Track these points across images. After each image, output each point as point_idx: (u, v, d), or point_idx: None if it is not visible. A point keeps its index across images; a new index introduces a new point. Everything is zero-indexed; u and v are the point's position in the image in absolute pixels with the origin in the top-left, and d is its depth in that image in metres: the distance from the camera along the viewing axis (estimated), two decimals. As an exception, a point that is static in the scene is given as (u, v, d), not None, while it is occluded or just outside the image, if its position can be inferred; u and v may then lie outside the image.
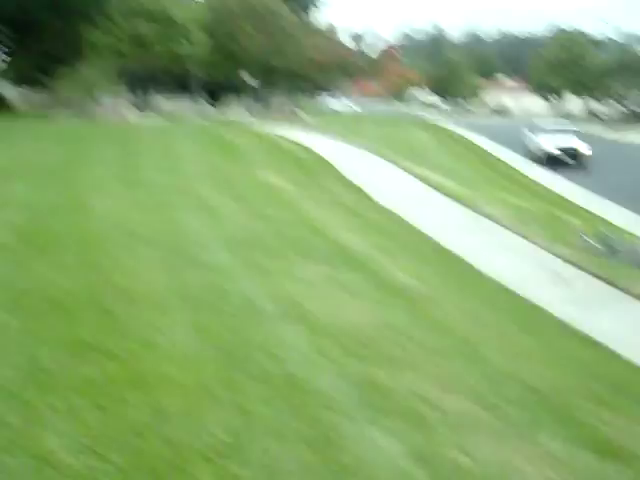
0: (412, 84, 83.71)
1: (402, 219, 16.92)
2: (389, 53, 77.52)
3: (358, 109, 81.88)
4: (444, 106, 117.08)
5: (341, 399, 5.73)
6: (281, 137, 32.36)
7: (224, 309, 7.66)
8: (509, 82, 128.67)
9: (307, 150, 28.19)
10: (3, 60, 47.16)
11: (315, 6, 79.75)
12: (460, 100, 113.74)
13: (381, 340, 7.36)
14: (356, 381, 6.14)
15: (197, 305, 7.71)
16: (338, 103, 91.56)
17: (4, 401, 5.07)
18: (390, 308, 8.64)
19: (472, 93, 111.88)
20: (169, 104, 54.56)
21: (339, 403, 5.66)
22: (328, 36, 72.71)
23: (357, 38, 72.33)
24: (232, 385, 5.75)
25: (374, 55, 72.96)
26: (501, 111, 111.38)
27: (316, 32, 71.67)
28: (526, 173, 35.47)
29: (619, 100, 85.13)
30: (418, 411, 5.75)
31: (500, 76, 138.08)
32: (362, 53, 72.16)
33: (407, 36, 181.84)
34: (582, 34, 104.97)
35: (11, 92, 47.52)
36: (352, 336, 7.29)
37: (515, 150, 43.64)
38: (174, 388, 5.58)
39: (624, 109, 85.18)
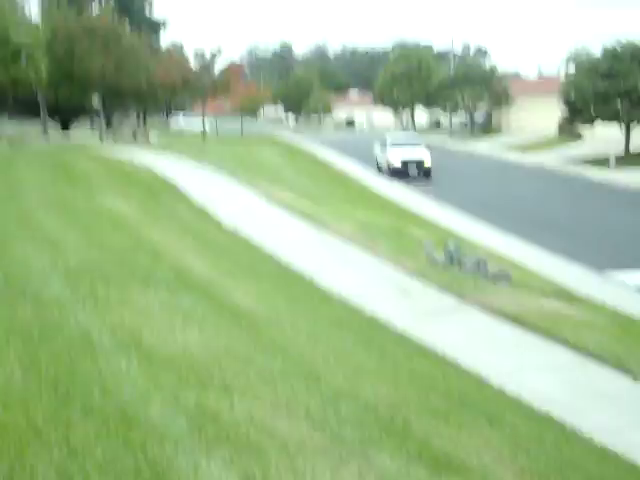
0: (262, 101, 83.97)
1: (247, 239, 16.90)
2: (237, 71, 77.34)
3: (210, 128, 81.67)
4: (294, 122, 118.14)
5: (174, 430, 5.64)
6: (127, 160, 31.97)
7: (57, 343, 7.46)
8: (359, 96, 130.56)
9: (153, 173, 27.91)
10: None
11: (162, 26, 79.48)
12: (310, 115, 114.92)
13: (218, 366, 7.30)
14: (190, 410, 6.05)
15: (29, 341, 7.49)
16: (189, 122, 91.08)
17: None
18: (229, 332, 8.60)
19: (322, 108, 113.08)
20: (14, 128, 53.29)
21: (171, 435, 5.56)
22: (175, 56, 72.44)
23: (205, 57, 71.93)
24: (61, 422, 5.59)
25: (222, 73, 72.65)
26: (351, 125, 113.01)
27: (163, 52, 71.37)
28: (374, 187, 35.98)
29: (465, 111, 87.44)
30: (251, 437, 5.72)
31: (350, 90, 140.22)
32: (210, 72, 71.86)
33: (256, 53, 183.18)
34: (426, 47, 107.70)
35: None
36: (188, 364, 7.21)
37: (364, 164, 44.25)
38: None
39: (469, 120, 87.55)
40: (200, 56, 72.20)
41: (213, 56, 72.64)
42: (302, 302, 11.80)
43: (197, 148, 42.50)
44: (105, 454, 5.15)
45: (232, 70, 74.85)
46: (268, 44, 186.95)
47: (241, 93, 75.59)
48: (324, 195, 29.83)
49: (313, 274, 14.12)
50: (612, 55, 50.90)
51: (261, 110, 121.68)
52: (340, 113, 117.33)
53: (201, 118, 77.60)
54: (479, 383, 9.32)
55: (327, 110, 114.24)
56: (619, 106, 49.47)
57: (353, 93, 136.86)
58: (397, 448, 6.07)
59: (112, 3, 70.73)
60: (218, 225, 18.54)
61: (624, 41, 51.83)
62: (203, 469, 5.10)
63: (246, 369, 7.34)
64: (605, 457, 7.83)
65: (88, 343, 7.57)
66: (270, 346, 8.44)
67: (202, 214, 20.05)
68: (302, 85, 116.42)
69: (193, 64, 72.40)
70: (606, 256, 21.26)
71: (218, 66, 73.55)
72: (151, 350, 7.51)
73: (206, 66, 72.11)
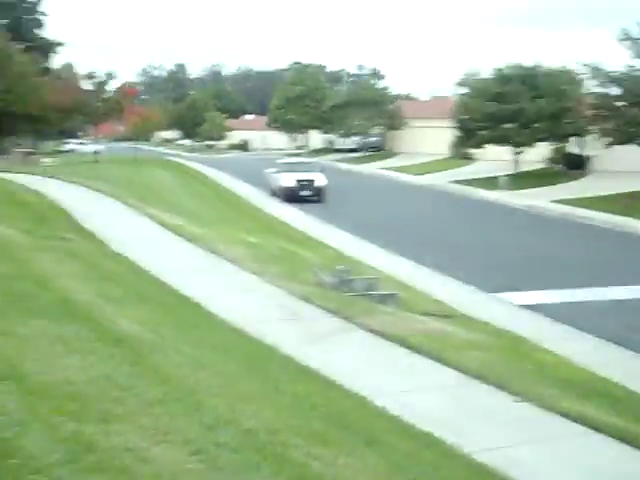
0: (154, 123, 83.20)
1: (136, 264, 16.80)
2: (127, 92, 76.65)
3: (102, 151, 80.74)
4: (188, 144, 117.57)
5: (49, 461, 5.63)
6: (16, 185, 31.43)
7: None
8: (254, 118, 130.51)
9: (40, 196, 27.51)
10: None
11: (55, 48, 78.46)
12: (204, 137, 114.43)
13: (96, 395, 7.28)
14: (66, 440, 6.04)
15: None
16: (81, 146, 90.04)
17: None
18: (110, 360, 8.55)
19: (216, 130, 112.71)
20: None
21: (47, 465, 5.56)
22: (67, 79, 71.47)
23: (97, 79, 71.29)
24: None
25: (115, 95, 71.96)
26: (245, 148, 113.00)
27: (54, 75, 70.36)
28: (266, 210, 36.09)
29: (358, 134, 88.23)
30: (127, 465, 5.74)
31: (246, 113, 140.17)
32: (101, 94, 71.13)
33: (148, 74, 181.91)
34: (319, 69, 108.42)
35: None
36: (66, 393, 7.18)
37: (257, 186, 44.29)
38: None
39: (363, 142, 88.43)
40: (93, 78, 71.44)
41: (106, 78, 71.96)
42: (189, 327, 11.79)
43: (89, 171, 42.00)
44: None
45: (125, 92, 74.12)
46: (163, 65, 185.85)
47: (135, 116, 74.87)
48: (216, 219, 29.79)
49: (201, 299, 14.13)
50: (502, 78, 52.10)
51: (156, 133, 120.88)
52: (235, 135, 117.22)
53: (92, 141, 76.70)
54: (361, 405, 9.46)
55: (222, 132, 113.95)
56: (508, 128, 50.63)
57: (248, 115, 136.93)
58: (275, 473, 6.15)
59: (2, 23, 69.75)
60: (108, 251, 18.38)
61: (514, 64, 53.11)
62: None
63: (125, 397, 7.34)
64: (484, 474, 8.04)
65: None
66: (152, 373, 8.45)
67: (91, 239, 19.83)
68: (197, 107, 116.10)
69: (85, 86, 71.53)
70: (490, 275, 21.76)
71: (111, 89, 72.89)
72: (28, 380, 7.45)
73: (99, 89, 71.34)
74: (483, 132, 52.34)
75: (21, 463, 5.56)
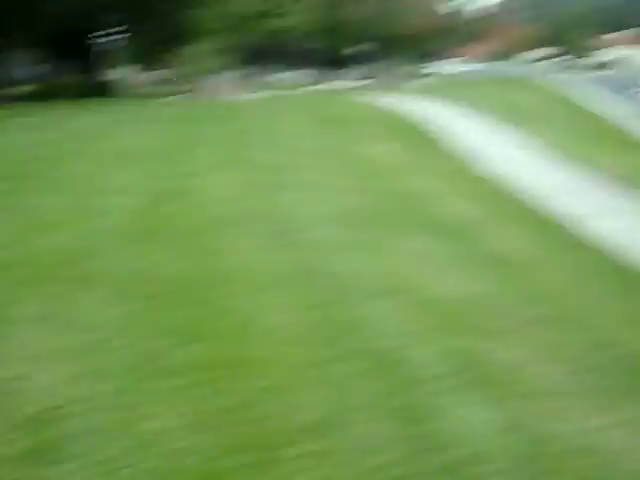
0: (525, 42, 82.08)
1: (506, 185, 16.69)
2: (500, 12, 76.37)
3: (469, 72, 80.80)
4: (559, 63, 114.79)
5: (435, 372, 5.89)
6: (389, 106, 32.19)
7: (323, 287, 7.88)
8: (633, 34, 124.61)
9: (413, 118, 27.97)
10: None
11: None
12: (577, 55, 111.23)
13: (481, 312, 7.46)
14: (452, 354, 6.29)
15: (296, 285, 7.95)
16: (449, 67, 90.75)
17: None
18: (490, 279, 8.69)
19: (590, 47, 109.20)
20: (282, 77, 54.98)
21: (433, 376, 5.81)
22: (428, 3, 72.26)
23: (458, 2, 71.79)
24: (328, 363, 5.95)
25: (476, 17, 72.01)
26: (621, 65, 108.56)
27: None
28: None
29: None
30: (505, 381, 5.86)
31: (622, 28, 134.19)
32: (463, 16, 71.45)
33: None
34: None
35: (131, 75, 49.10)
36: (450, 309, 7.43)
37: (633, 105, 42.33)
38: (270, 369, 5.84)
39: None
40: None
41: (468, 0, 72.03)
42: (564, 251, 11.42)
43: (456, 93, 41.93)
44: (367, 393, 5.53)
45: (500, 12, 73.85)
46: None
47: (505, 35, 74.38)
48: (585, 139, 28.55)
49: (576, 222, 13.67)
50: None
51: (522, 51, 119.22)
52: (610, 51, 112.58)
53: (461, 62, 76.96)
54: None
55: (595, 49, 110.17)
56: None
57: (624, 30, 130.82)
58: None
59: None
60: (478, 171, 18.28)
61: None
62: (466, 410, 5.34)
63: (507, 316, 7.45)
64: None
65: (353, 288, 8.00)
66: (532, 294, 8.40)
67: (461, 159, 19.61)
68: (569, 23, 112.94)
69: (447, 10, 71.99)
70: None
71: (473, 10, 72.85)
72: (412, 295, 7.84)
73: (460, 11, 71.60)
74: None
75: (410, 373, 5.87)
